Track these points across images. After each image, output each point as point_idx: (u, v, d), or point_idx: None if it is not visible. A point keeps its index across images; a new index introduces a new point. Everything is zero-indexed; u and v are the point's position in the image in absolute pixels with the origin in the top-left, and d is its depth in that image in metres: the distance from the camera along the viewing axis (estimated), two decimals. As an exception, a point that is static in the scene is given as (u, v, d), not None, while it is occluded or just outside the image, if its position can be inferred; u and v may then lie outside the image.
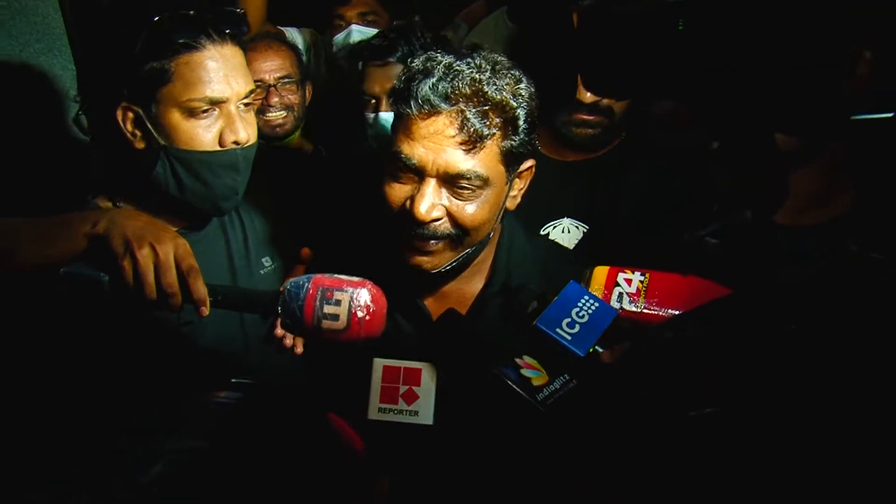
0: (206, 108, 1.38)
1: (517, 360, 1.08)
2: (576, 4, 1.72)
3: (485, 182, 1.26)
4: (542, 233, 2.03)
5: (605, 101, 1.94)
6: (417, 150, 1.24)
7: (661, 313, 1.07)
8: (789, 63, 0.55)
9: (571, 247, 1.97)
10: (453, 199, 1.27)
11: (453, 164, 1.23)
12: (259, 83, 2.34)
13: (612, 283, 1.10)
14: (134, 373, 1.35)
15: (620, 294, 1.08)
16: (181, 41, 1.35)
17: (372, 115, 2.04)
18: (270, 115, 2.37)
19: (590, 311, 1.07)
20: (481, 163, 1.25)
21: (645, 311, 1.07)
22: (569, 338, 1.05)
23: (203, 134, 1.40)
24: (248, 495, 0.62)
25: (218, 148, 1.41)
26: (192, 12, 1.37)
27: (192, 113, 1.38)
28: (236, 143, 1.42)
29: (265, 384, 0.79)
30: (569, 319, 1.07)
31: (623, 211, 1.91)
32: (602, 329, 1.05)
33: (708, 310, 0.80)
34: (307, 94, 2.48)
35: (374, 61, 1.98)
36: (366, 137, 2.08)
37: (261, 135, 2.37)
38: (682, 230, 0.78)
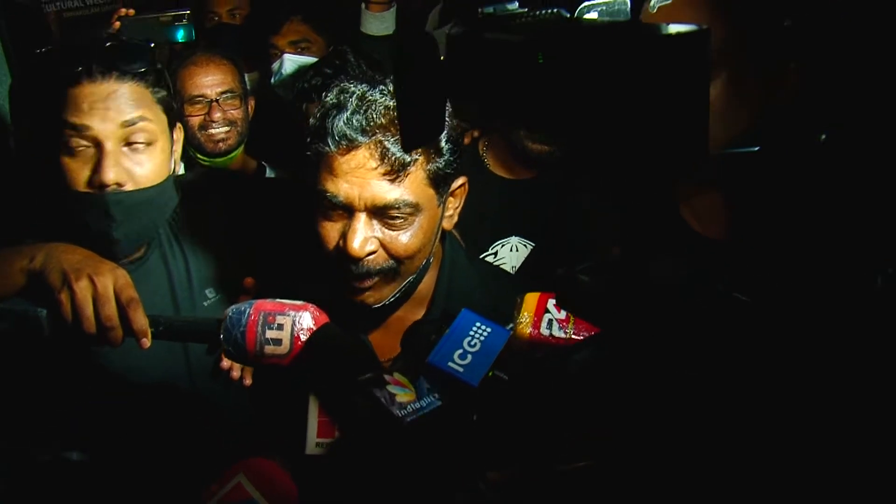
0: (75, 143, 1.31)
1: (385, 377, 1.07)
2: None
3: (415, 209, 1.23)
4: (490, 251, 2.05)
5: None
6: (342, 187, 1.21)
7: None
8: (650, 101, 0.54)
9: (519, 265, 2.00)
10: (386, 230, 1.24)
11: (380, 196, 1.20)
12: (201, 98, 2.35)
13: (542, 309, 1.09)
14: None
15: (550, 321, 1.08)
16: (59, 74, 1.31)
17: None
18: (213, 130, 2.36)
19: (482, 339, 1.06)
20: (408, 190, 1.22)
21: (574, 337, 1.07)
22: (461, 370, 1.04)
23: (76, 172, 1.33)
24: None
25: (87, 189, 1.33)
26: (75, 45, 1.33)
27: (65, 148, 1.32)
28: (104, 185, 1.31)
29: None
30: (460, 351, 1.06)
31: (566, 230, 1.93)
32: (495, 354, 1.05)
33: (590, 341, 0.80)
34: (249, 108, 2.47)
35: (315, 101, 1.96)
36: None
37: (204, 151, 2.40)
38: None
